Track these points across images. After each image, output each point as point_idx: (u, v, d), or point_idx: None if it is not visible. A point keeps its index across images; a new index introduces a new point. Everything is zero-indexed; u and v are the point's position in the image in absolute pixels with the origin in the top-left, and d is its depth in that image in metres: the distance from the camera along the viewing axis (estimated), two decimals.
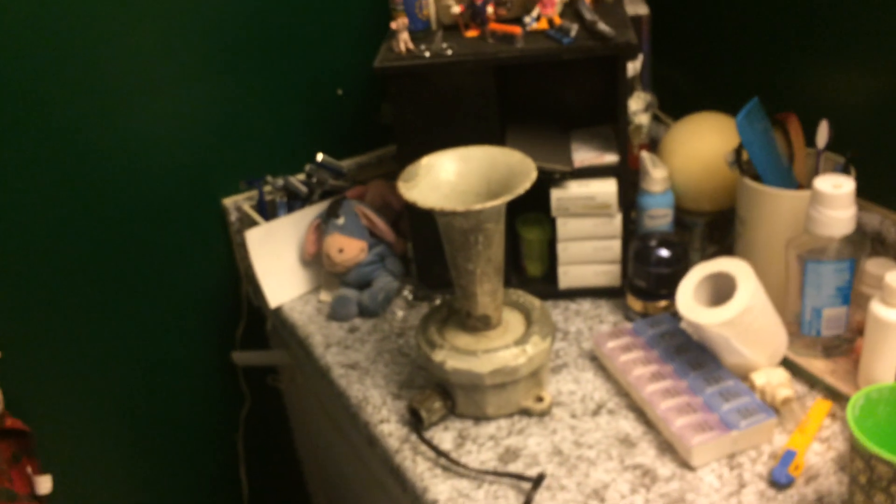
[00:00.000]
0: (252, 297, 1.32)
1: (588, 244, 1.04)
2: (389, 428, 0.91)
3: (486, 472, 0.82)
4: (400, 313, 1.11)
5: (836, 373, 0.88)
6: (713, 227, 1.12)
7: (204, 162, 1.22)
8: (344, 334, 1.08)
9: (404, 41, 0.97)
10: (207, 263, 1.28)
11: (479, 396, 0.88)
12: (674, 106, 1.28)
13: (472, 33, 1.01)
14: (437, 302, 1.06)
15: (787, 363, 0.91)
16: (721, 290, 0.89)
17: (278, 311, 1.16)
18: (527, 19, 0.98)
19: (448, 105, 0.98)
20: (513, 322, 0.92)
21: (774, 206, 0.92)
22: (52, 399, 1.21)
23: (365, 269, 1.12)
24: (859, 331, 0.91)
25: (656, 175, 1.02)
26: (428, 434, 0.89)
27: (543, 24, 0.98)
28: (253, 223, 1.20)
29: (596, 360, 0.97)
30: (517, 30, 0.96)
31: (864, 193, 1.01)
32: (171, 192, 1.21)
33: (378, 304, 1.09)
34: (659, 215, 1.04)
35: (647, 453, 0.83)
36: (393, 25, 0.98)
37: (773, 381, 0.85)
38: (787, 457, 0.78)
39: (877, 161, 0.99)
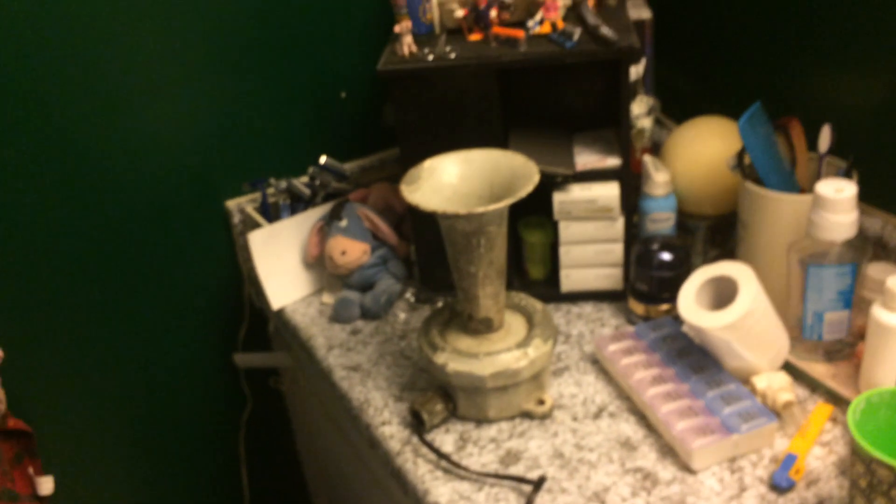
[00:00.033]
0: (254, 299, 1.33)
1: (590, 247, 1.04)
2: (391, 430, 0.91)
3: (487, 475, 0.82)
4: (402, 316, 1.11)
5: (838, 377, 0.88)
6: (715, 231, 1.12)
7: (207, 164, 1.22)
8: (346, 336, 1.08)
9: (408, 44, 0.98)
10: (210, 265, 1.29)
11: (481, 399, 0.88)
12: (676, 110, 1.28)
13: (475, 37, 1.01)
14: (440, 304, 1.06)
15: (788, 367, 0.91)
16: (723, 294, 0.89)
17: (281, 312, 1.16)
18: (530, 23, 0.98)
19: (451, 108, 0.99)
20: (514, 325, 0.92)
21: (776, 210, 0.92)
22: (54, 400, 1.21)
23: (367, 271, 1.12)
24: (861, 335, 0.91)
25: (658, 179, 1.03)
26: (429, 436, 0.89)
27: (546, 28, 0.98)
28: (256, 225, 1.20)
29: (597, 364, 0.97)
30: (520, 34, 0.96)
31: (866, 198, 1.01)
32: (175, 194, 1.21)
33: (380, 307, 1.10)
34: (661, 219, 1.04)
35: (648, 456, 0.83)
36: (396, 29, 0.98)
37: (775, 384, 0.85)
38: (788, 461, 0.78)
39: (879, 165, 0.99)
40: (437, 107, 0.98)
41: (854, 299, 0.87)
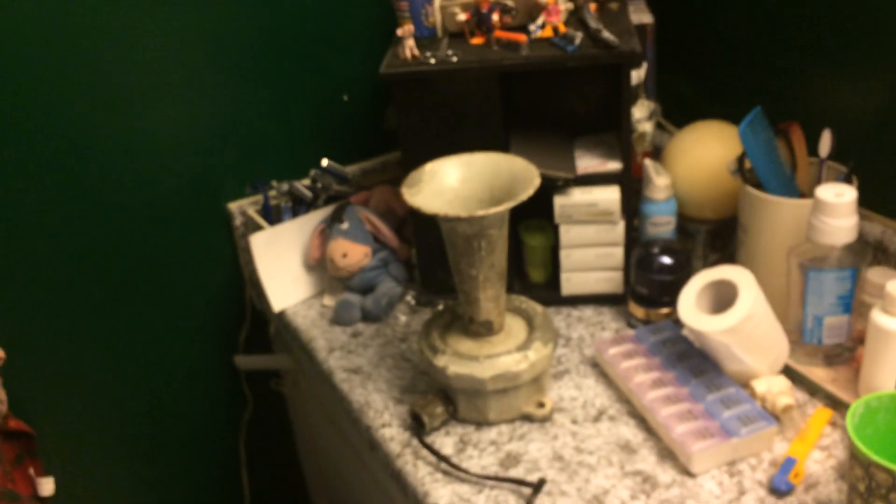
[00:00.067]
0: (255, 301, 1.33)
1: (591, 251, 1.04)
2: (391, 432, 0.91)
3: (487, 478, 0.82)
4: (403, 318, 1.11)
5: (837, 381, 0.88)
6: (715, 235, 1.13)
7: (209, 166, 1.22)
8: (347, 339, 1.08)
9: (410, 48, 0.98)
10: (212, 267, 1.29)
11: (481, 402, 0.88)
12: (677, 114, 1.29)
13: (477, 41, 1.01)
14: (440, 307, 1.07)
15: (788, 371, 0.91)
16: (723, 298, 0.89)
17: (282, 315, 1.16)
18: (532, 27, 0.99)
19: (453, 111, 0.99)
20: (515, 328, 0.93)
21: (776, 215, 0.92)
22: (55, 401, 1.22)
23: (368, 274, 1.12)
24: (860, 339, 0.91)
25: (659, 183, 1.03)
26: (429, 439, 0.89)
27: (548, 32, 0.98)
28: (258, 227, 1.20)
29: (597, 367, 0.97)
30: (522, 37, 0.96)
31: (866, 203, 1.01)
32: (176, 196, 1.21)
33: (381, 309, 1.10)
34: (662, 223, 1.05)
35: (647, 460, 0.83)
36: (399, 32, 0.98)
37: (774, 388, 0.85)
38: (787, 464, 0.78)
39: (879, 170, 0.99)
40: (439, 110, 0.99)
41: (854, 304, 0.87)
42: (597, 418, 0.89)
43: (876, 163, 0.99)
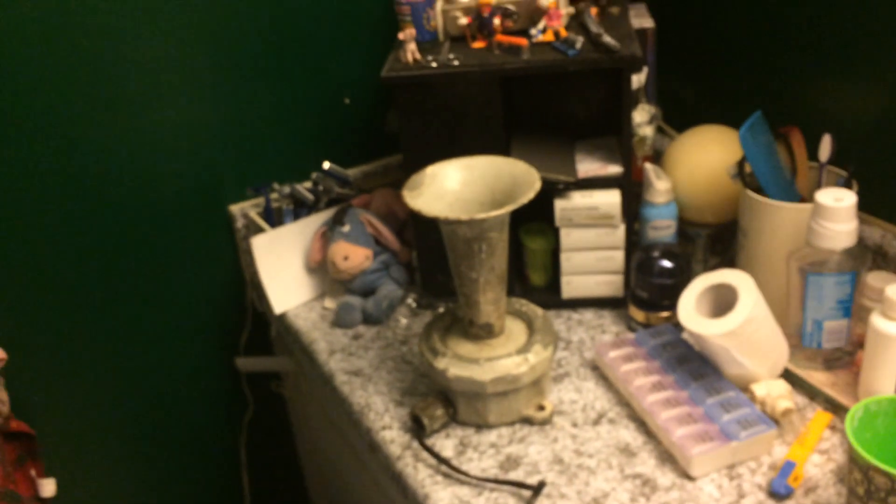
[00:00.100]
0: (257, 303, 1.33)
1: (591, 254, 1.04)
2: (391, 434, 0.91)
3: (487, 480, 0.83)
4: (403, 321, 1.11)
5: (837, 385, 0.89)
6: (716, 239, 1.13)
7: (211, 169, 1.23)
8: (348, 341, 1.08)
9: (411, 51, 0.98)
10: (213, 269, 1.29)
11: (481, 404, 0.88)
12: (678, 118, 1.29)
13: (478, 44, 1.02)
14: (441, 310, 1.07)
15: (787, 375, 0.91)
16: (723, 302, 0.89)
17: (283, 317, 1.16)
18: (533, 31, 0.99)
19: (454, 115, 0.99)
20: (515, 331, 0.93)
21: (776, 219, 0.92)
22: (56, 402, 1.22)
23: (369, 276, 1.13)
24: (860, 343, 0.91)
25: (660, 186, 1.03)
26: (429, 441, 0.90)
27: (549, 37, 0.99)
28: (259, 230, 1.20)
29: (597, 370, 0.97)
30: (523, 41, 0.97)
31: (866, 207, 1.01)
32: (179, 199, 1.21)
33: (382, 312, 1.10)
34: (662, 226, 1.05)
35: (647, 463, 0.83)
36: (400, 36, 0.99)
37: (774, 392, 0.85)
38: (787, 468, 0.79)
39: (879, 175, 1.00)
40: (440, 113, 0.99)
41: (853, 308, 0.87)
42: (597, 421, 0.89)
43: (876, 167, 1.00)
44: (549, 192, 1.01)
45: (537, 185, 0.81)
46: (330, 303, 1.16)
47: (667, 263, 0.99)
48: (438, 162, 0.87)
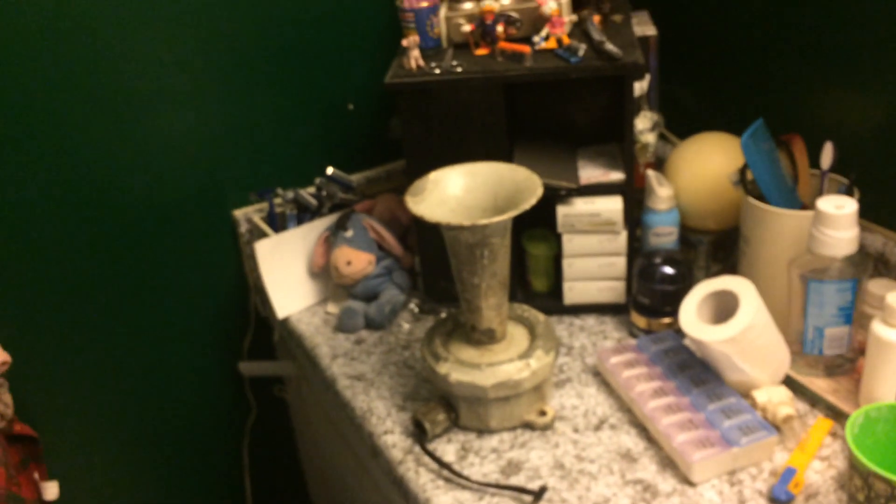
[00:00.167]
0: (260, 308, 1.34)
1: (593, 260, 1.05)
2: (393, 439, 0.91)
3: (488, 485, 0.83)
4: (406, 326, 1.12)
5: (838, 392, 0.89)
6: (717, 246, 1.13)
7: (215, 174, 1.23)
8: (350, 346, 1.09)
9: (415, 58, 0.99)
10: (217, 273, 1.30)
11: (483, 409, 0.89)
12: (680, 125, 1.29)
13: (481, 51, 1.02)
14: (443, 315, 1.07)
15: (789, 381, 0.92)
16: (724, 308, 0.89)
17: (286, 321, 1.17)
18: (536, 38, 1.00)
19: (457, 121, 1.00)
20: (517, 336, 0.93)
21: (778, 226, 0.92)
22: (60, 405, 1.22)
23: (372, 281, 1.13)
24: (861, 350, 0.91)
25: (662, 193, 1.03)
26: (431, 446, 0.90)
27: (552, 44, 0.99)
28: (263, 235, 1.21)
29: (599, 376, 0.98)
30: (526, 49, 0.97)
31: (868, 215, 1.02)
32: (183, 203, 1.22)
33: (384, 317, 1.10)
34: (664, 233, 1.05)
35: (648, 468, 0.83)
36: (404, 43, 0.99)
37: (775, 398, 0.85)
38: (788, 474, 0.79)
39: (880, 183, 1.00)
40: (444, 120, 1.00)
41: (855, 315, 0.87)
42: (598, 427, 0.90)
43: (877, 175, 1.00)
44: (552, 198, 1.01)
45: (539, 192, 0.81)
46: (333, 307, 1.17)
47: (668, 270, 0.99)
48: (441, 168, 0.87)
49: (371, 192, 1.30)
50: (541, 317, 0.95)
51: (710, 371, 0.90)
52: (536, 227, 1.11)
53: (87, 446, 1.27)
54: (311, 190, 1.24)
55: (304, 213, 1.22)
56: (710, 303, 0.90)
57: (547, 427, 0.90)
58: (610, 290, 1.06)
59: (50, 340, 1.18)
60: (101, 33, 1.08)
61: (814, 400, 0.90)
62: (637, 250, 1.08)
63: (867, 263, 0.86)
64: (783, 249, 0.93)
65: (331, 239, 1.15)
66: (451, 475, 0.85)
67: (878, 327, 0.81)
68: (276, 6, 1.19)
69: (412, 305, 1.15)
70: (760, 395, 0.86)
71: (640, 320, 1.02)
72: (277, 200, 1.26)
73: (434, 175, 0.87)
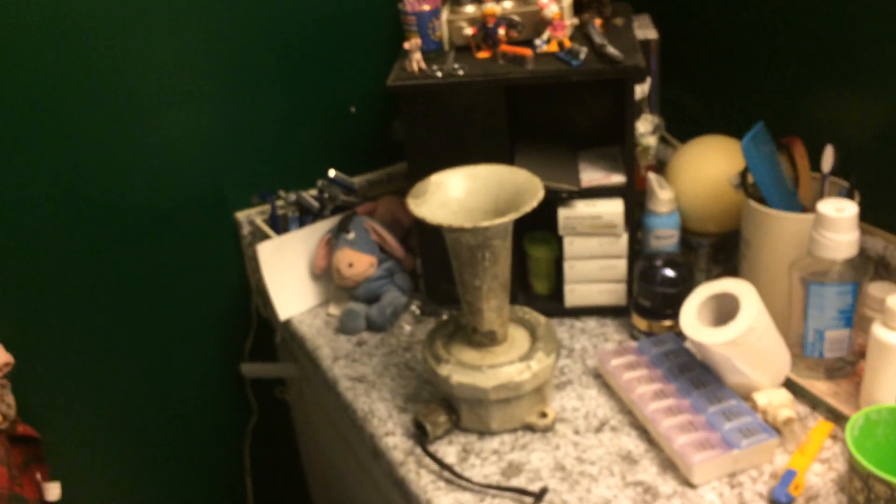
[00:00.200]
0: (261, 310, 1.34)
1: (594, 263, 1.05)
2: (394, 441, 0.92)
3: (489, 487, 0.83)
4: (407, 328, 1.12)
5: (839, 395, 0.89)
6: (718, 249, 1.13)
7: (218, 175, 1.24)
8: (352, 348, 1.09)
9: (417, 61, 0.99)
10: (219, 275, 1.30)
11: (484, 411, 0.89)
12: (681, 128, 1.29)
13: (483, 54, 1.02)
14: (444, 317, 1.07)
15: (789, 384, 0.92)
16: (725, 311, 0.90)
17: (287, 323, 1.17)
18: (537, 41, 1.00)
19: (459, 124, 1.00)
20: (518, 338, 0.93)
21: (779, 229, 0.93)
22: (62, 407, 1.23)
23: (374, 283, 1.13)
24: (862, 353, 0.91)
25: (663, 196, 1.04)
26: (432, 447, 0.90)
27: (553, 47, 1.00)
28: (265, 237, 1.21)
29: (600, 378, 0.98)
30: (528, 52, 0.98)
31: (869, 218, 1.02)
32: (185, 204, 1.22)
33: (386, 319, 1.11)
34: (665, 236, 1.05)
35: (648, 470, 0.84)
36: (406, 45, 0.99)
37: (775, 401, 0.86)
38: (788, 476, 0.79)
39: (881, 185, 1.00)
40: (445, 122, 1.00)
41: (855, 318, 0.87)
42: (599, 429, 0.90)
43: (878, 178, 1.00)
44: (553, 200, 1.02)
45: (540, 194, 0.82)
46: (334, 309, 1.17)
47: (669, 272, 0.99)
48: (443, 170, 0.88)
49: (373, 195, 1.30)
50: (542, 319, 0.95)
51: (711, 373, 0.90)
52: (538, 230, 1.11)
53: (89, 447, 1.27)
54: (313, 192, 1.25)
55: (306, 216, 1.22)
56: (710, 305, 0.90)
57: (548, 429, 0.90)
58: (611, 292, 1.07)
59: (52, 342, 1.19)
60: (102, 35, 1.08)
61: (814, 402, 0.90)
62: (638, 253, 1.08)
63: (868, 266, 0.86)
64: (784, 252, 0.93)
65: (332, 241, 1.15)
66: (452, 477, 0.86)
67: (878, 330, 0.81)
68: (279, 8, 1.19)
69: (413, 307, 1.15)
70: (761, 398, 0.86)
71: (640, 323, 1.02)
72: (279, 202, 1.27)
73: (436, 177, 0.87)
